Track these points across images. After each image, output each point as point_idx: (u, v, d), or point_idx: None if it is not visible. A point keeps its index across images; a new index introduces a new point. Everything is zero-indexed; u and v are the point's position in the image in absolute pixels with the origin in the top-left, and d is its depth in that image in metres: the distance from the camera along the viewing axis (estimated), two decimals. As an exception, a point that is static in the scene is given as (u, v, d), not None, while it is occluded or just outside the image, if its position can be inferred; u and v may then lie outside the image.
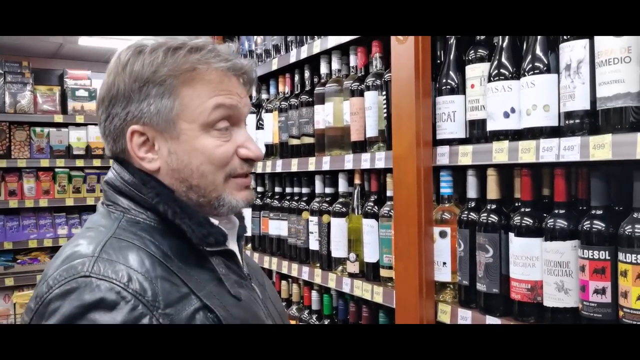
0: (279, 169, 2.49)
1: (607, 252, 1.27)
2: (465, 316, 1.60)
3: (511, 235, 1.48)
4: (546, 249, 1.40)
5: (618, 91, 1.21)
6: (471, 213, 1.62)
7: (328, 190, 2.30)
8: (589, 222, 1.32)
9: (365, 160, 1.94)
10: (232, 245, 1.09)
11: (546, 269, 1.40)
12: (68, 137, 5.22)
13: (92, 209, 5.22)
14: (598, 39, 1.26)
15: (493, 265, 1.53)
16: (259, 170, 2.65)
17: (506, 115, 1.49)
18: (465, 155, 1.59)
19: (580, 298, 1.33)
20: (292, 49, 2.46)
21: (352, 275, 2.07)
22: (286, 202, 2.53)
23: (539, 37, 1.42)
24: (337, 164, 2.11)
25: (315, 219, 2.28)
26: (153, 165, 1.01)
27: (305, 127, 2.35)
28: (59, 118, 5.15)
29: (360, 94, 2.01)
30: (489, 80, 1.53)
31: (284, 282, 2.67)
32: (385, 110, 1.88)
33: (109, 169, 1.05)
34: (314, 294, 2.37)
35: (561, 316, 1.38)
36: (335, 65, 2.22)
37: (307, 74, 2.42)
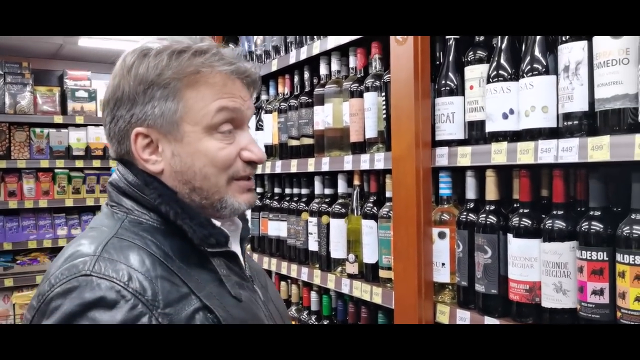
0: (278, 170, 2.49)
1: (605, 253, 1.28)
2: (464, 317, 1.61)
3: (510, 236, 1.49)
4: (544, 250, 1.41)
5: (616, 92, 1.22)
6: (470, 214, 1.62)
7: (327, 191, 2.30)
8: (587, 223, 1.32)
9: (365, 161, 1.95)
10: (235, 246, 1.10)
11: (544, 269, 1.41)
12: (68, 137, 5.21)
13: (91, 209, 5.28)
14: (596, 41, 1.27)
15: (492, 266, 1.53)
16: (259, 171, 2.66)
17: (505, 116, 1.50)
18: (464, 156, 1.59)
19: (578, 299, 1.34)
20: (291, 50, 2.46)
21: (351, 276, 2.07)
22: (285, 203, 2.53)
23: (537, 38, 1.42)
24: (336, 165, 2.11)
25: (314, 219, 2.28)
26: (157, 167, 1.01)
27: (304, 128, 2.35)
28: (58, 119, 5.15)
29: (360, 95, 2.02)
30: (488, 82, 1.53)
31: (283, 283, 2.67)
32: (384, 112, 1.88)
33: (108, 170, 1.06)
34: (313, 294, 2.37)
35: (559, 317, 1.38)
36: (335, 66, 2.22)
37: (306, 75, 2.42)
